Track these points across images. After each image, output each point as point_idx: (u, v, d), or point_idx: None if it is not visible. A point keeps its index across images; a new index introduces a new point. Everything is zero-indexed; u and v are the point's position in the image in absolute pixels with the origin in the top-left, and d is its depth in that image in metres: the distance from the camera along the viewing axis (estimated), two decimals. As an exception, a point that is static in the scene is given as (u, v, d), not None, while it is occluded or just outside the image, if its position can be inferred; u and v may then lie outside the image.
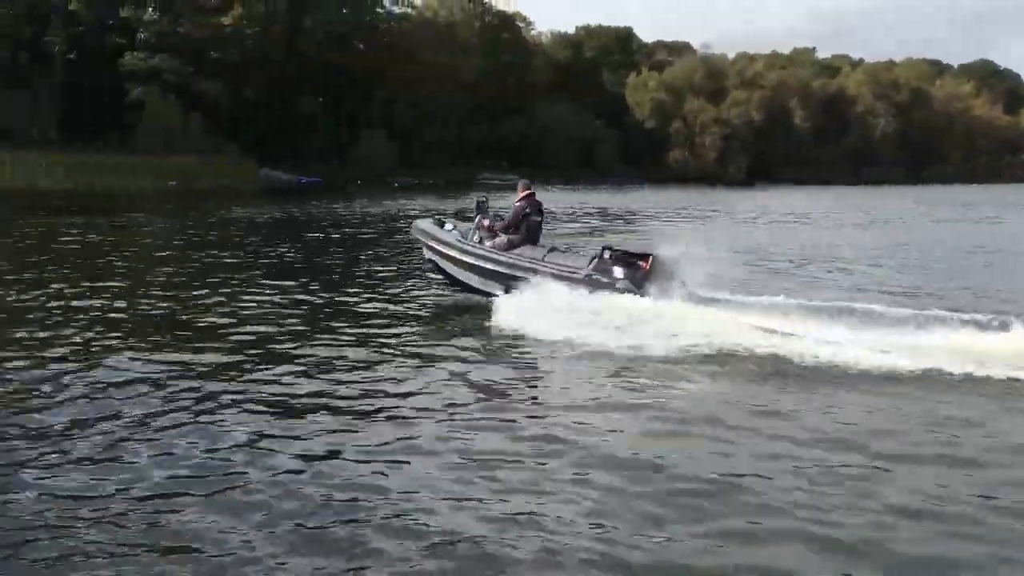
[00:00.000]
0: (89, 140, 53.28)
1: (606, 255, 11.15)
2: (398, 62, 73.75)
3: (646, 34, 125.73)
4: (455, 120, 79.31)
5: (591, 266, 11.07)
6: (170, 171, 52.39)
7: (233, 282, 14.59)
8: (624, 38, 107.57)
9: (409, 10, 79.61)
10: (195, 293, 13.37)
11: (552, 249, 11.89)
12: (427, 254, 13.13)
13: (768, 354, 8.98)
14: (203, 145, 57.93)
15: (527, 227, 12.05)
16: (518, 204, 12.15)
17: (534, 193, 12.45)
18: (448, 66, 75.40)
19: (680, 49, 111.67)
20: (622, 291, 10.61)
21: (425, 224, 13.25)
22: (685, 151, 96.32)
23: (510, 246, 11.91)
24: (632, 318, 9.84)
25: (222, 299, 12.76)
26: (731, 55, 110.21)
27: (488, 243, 12.09)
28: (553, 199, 39.67)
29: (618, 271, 10.89)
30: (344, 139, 69.51)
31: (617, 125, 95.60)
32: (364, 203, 41.00)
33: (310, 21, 67.42)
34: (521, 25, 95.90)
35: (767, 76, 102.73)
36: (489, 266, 11.84)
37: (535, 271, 11.20)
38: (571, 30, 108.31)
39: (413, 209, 35.11)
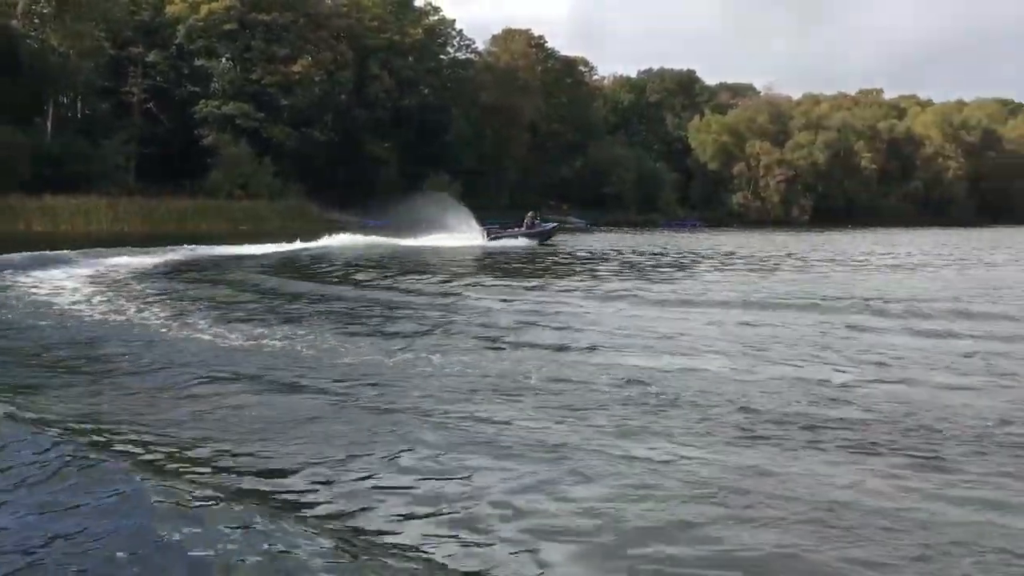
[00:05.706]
0: (164, 185, 55.01)
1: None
2: (462, 105, 75.26)
3: (710, 76, 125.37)
4: (517, 160, 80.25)
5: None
6: (240, 214, 54.12)
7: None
8: (687, 81, 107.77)
9: (473, 56, 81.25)
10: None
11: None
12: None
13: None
14: (273, 188, 59.64)
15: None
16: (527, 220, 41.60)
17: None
18: (509, 108, 76.61)
19: (744, 90, 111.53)
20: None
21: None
22: (748, 193, 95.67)
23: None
24: None
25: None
26: (796, 96, 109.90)
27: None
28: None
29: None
30: (409, 182, 70.45)
31: (680, 168, 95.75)
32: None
33: (377, 68, 69.08)
34: (584, 70, 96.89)
35: (832, 117, 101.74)
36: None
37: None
38: (633, 74, 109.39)
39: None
